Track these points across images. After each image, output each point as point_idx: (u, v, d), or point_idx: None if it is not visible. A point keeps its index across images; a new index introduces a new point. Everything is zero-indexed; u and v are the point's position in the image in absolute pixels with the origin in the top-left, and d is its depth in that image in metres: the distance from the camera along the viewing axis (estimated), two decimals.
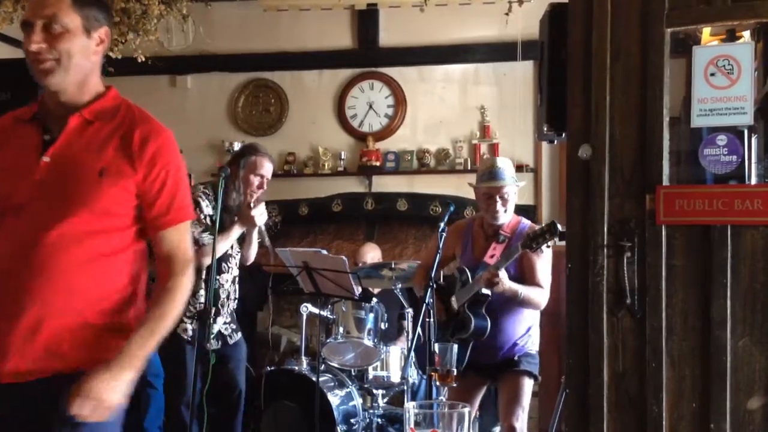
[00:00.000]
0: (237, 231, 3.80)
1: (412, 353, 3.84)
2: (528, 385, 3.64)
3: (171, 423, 3.88)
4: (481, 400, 3.84)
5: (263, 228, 3.90)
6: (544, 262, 3.67)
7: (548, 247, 3.50)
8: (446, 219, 3.62)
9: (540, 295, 3.63)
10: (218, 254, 3.69)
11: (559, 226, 3.27)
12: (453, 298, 3.71)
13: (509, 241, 3.67)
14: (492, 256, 3.66)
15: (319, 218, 6.12)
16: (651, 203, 2.14)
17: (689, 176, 2.26)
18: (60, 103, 2.01)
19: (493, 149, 5.88)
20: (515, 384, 3.62)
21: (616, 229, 2.18)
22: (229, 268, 3.88)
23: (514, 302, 3.60)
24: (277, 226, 5.06)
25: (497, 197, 3.66)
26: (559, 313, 5.64)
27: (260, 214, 3.77)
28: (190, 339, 3.71)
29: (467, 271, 3.67)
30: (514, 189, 3.74)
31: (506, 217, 3.72)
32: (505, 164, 3.76)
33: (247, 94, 6.36)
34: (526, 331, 3.73)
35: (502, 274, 3.49)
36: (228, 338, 3.92)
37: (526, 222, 3.82)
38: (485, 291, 3.55)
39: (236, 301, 4.01)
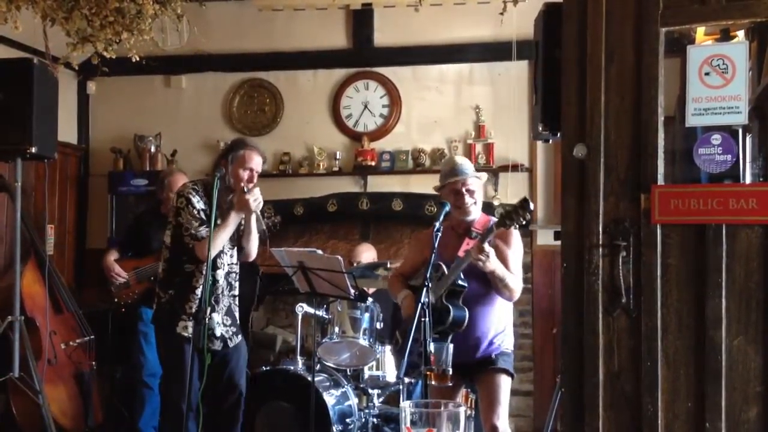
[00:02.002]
0: (234, 219, 3.79)
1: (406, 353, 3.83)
2: (506, 383, 3.71)
3: (169, 422, 3.85)
4: (476, 399, 3.84)
5: (260, 214, 3.90)
6: (515, 252, 3.75)
7: (521, 227, 3.53)
8: (441, 219, 3.62)
9: (515, 281, 3.68)
10: (220, 245, 3.70)
11: (531, 204, 3.36)
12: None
13: (481, 237, 3.70)
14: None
15: (315, 218, 6.11)
16: (646, 202, 2.15)
17: (684, 175, 2.26)
18: None
19: (488, 149, 5.88)
20: (494, 383, 3.68)
21: (611, 228, 2.18)
22: (222, 263, 3.88)
23: (497, 283, 3.60)
24: (277, 226, 5.04)
25: (464, 190, 3.74)
26: (553, 312, 5.67)
27: (255, 199, 3.76)
28: (190, 336, 3.70)
29: (443, 266, 3.68)
30: (478, 183, 3.83)
31: (477, 211, 3.80)
32: (464, 161, 3.91)
33: (242, 94, 6.35)
34: (502, 329, 3.78)
35: (489, 249, 3.50)
36: (228, 340, 3.91)
37: (495, 218, 3.88)
38: (461, 282, 3.60)
39: (235, 298, 3.99)
